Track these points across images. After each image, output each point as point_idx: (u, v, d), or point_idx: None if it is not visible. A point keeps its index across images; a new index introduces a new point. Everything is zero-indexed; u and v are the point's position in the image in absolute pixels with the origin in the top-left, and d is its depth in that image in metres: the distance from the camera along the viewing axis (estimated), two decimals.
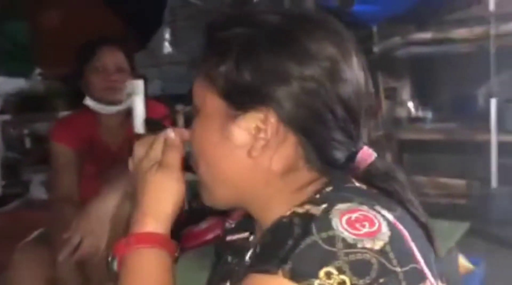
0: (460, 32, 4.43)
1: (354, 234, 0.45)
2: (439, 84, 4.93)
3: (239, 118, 0.54)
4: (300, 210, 0.49)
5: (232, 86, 0.55)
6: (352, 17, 3.48)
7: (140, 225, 0.59)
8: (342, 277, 0.42)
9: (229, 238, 0.72)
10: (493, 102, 3.93)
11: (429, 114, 5.01)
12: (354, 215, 0.46)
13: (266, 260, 0.47)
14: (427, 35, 4.50)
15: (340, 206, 0.47)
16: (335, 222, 0.45)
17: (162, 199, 0.60)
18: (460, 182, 4.23)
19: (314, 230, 0.46)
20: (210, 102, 0.56)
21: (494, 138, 3.86)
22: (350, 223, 0.46)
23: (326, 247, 0.44)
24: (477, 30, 4.27)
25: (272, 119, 0.53)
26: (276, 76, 0.53)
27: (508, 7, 4.04)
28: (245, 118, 0.54)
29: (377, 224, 0.46)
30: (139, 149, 0.64)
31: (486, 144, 3.87)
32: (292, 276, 0.44)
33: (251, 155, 0.54)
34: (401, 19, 4.19)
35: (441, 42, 4.53)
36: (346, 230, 0.45)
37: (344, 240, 0.44)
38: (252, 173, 0.56)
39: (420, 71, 4.94)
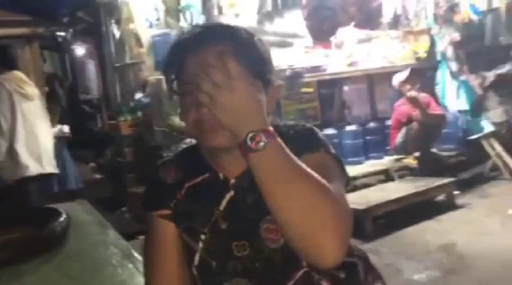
0: None
1: None
2: None
3: (270, 91, 1.00)
4: (299, 128, 1.06)
5: (265, 72, 0.98)
6: None
7: (265, 121, 0.84)
8: (334, 151, 1.04)
9: (189, 183, 1.07)
10: None
11: None
12: None
13: (306, 148, 0.99)
14: None
15: None
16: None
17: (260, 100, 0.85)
18: None
19: (318, 131, 1.06)
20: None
21: None
22: None
23: (325, 139, 1.05)
24: None
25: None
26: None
27: None
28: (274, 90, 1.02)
29: None
30: (216, 73, 0.82)
31: None
32: (326, 152, 1.01)
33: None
34: None
35: None
36: None
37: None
38: None
39: None
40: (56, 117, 5.78)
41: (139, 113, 5.17)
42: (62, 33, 7.56)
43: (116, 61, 5.86)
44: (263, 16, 3.74)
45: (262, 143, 0.81)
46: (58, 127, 5.75)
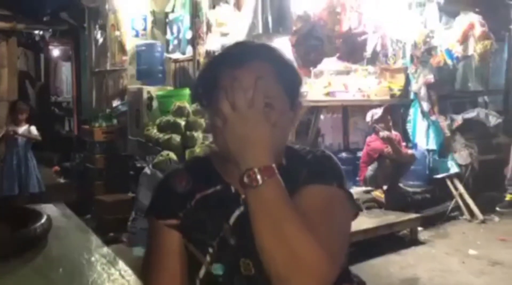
0: None
1: None
2: None
3: (297, 112, 1.05)
4: (318, 154, 1.08)
5: (293, 96, 1.02)
6: None
7: (267, 158, 0.85)
8: (346, 185, 1.06)
9: (201, 194, 1.05)
10: None
11: None
12: None
13: (320, 178, 1.00)
14: None
15: None
16: None
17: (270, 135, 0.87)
18: None
19: (336, 162, 1.07)
20: (285, 104, 1.00)
21: None
22: None
23: (341, 170, 1.06)
24: None
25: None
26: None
27: None
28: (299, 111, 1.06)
29: None
30: (240, 96, 0.85)
31: None
32: (338, 186, 1.01)
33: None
34: None
35: None
36: None
37: None
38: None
39: None
40: (24, 116, 5.64)
41: (115, 121, 5.10)
42: (40, 32, 7.43)
43: (95, 66, 5.79)
44: (252, 38, 3.79)
45: (257, 182, 0.83)
46: (25, 126, 5.60)
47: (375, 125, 5.25)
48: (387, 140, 5.07)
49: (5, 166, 5.50)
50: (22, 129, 5.58)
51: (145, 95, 4.61)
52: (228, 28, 4.25)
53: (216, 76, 0.99)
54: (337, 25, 4.16)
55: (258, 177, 0.83)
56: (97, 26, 5.67)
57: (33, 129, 5.61)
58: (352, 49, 4.33)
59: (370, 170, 5.21)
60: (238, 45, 1.05)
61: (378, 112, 5.29)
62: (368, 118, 5.37)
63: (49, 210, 1.97)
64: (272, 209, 0.84)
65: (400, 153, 5.10)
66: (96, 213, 4.83)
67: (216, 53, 1.07)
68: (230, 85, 0.89)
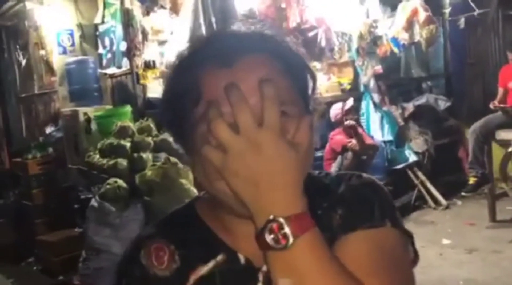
0: None
1: None
2: None
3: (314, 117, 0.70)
4: (353, 182, 0.73)
5: (308, 96, 0.70)
6: None
7: (297, 202, 0.55)
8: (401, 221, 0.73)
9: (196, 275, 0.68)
10: None
11: None
12: None
13: (365, 219, 0.68)
14: None
15: None
16: None
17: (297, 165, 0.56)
18: None
19: (384, 189, 0.76)
20: (302, 110, 0.66)
21: None
22: None
23: (392, 200, 0.75)
24: None
25: None
26: None
27: None
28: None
29: None
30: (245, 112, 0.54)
31: None
32: (392, 225, 0.69)
33: None
34: None
35: None
36: None
37: None
38: None
39: None
40: None
41: (50, 150, 4.60)
42: None
43: (21, 91, 5.24)
44: None
45: (286, 240, 0.53)
46: None
47: (345, 117, 5.08)
48: (352, 128, 4.93)
49: None
50: None
51: (81, 118, 4.16)
52: (166, 34, 3.89)
53: (195, 83, 0.64)
54: (284, 22, 3.91)
55: (287, 231, 0.53)
56: (17, 47, 5.12)
57: None
58: (304, 46, 4.08)
59: (334, 166, 5.03)
60: (222, 34, 0.71)
61: (348, 103, 5.13)
62: (335, 111, 5.19)
63: None
64: (314, 280, 0.53)
65: (363, 144, 4.98)
66: (40, 255, 4.31)
67: (189, 50, 0.68)
68: (224, 94, 0.55)
